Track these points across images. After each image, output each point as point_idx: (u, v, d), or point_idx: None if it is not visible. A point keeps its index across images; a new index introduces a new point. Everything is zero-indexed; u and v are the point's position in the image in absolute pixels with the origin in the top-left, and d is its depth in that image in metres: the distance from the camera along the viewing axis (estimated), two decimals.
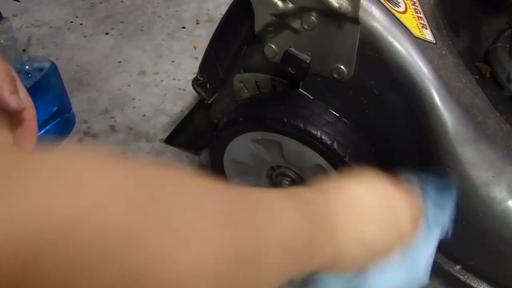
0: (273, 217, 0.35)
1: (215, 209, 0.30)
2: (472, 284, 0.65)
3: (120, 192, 0.25)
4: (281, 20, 0.60)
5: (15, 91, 0.57)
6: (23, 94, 0.60)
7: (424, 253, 0.51)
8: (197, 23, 1.30)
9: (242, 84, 0.70)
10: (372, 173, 0.46)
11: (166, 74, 1.15)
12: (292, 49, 0.61)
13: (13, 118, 0.60)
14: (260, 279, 0.32)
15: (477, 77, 0.68)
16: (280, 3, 0.58)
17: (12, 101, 0.56)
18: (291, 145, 0.63)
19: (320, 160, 0.62)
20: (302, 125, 0.59)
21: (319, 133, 0.59)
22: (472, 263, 0.65)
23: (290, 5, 0.57)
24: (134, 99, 1.09)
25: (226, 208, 0.31)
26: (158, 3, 1.36)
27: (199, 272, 0.26)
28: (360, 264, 0.44)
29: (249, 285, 0.31)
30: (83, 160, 0.26)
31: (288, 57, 0.61)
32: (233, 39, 0.67)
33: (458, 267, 0.66)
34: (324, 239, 0.39)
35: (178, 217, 0.27)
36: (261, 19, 0.61)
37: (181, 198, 0.28)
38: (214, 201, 0.31)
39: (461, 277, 0.65)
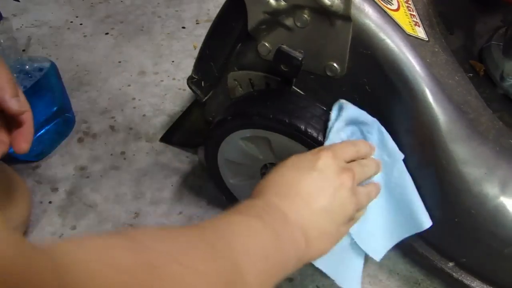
0: (243, 236, 0.41)
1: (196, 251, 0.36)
2: (465, 281, 0.65)
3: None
4: (274, 18, 0.60)
5: (16, 94, 0.59)
6: (22, 97, 0.61)
7: None
8: (197, 23, 1.30)
9: (236, 82, 0.70)
10: (296, 157, 0.52)
11: (166, 74, 1.16)
12: (284, 46, 0.61)
13: (10, 119, 0.61)
14: None
15: (471, 75, 0.68)
16: (273, 1, 0.58)
17: (14, 104, 0.59)
18: (280, 140, 0.63)
19: None
20: (287, 120, 0.60)
21: (304, 127, 0.59)
22: (465, 260, 0.65)
23: (283, 3, 0.58)
24: (134, 99, 1.09)
25: (203, 245, 0.37)
26: (158, 3, 1.37)
27: None
28: (332, 230, 0.49)
29: None
30: None
31: (280, 54, 0.61)
32: (227, 37, 0.67)
33: (451, 264, 0.66)
34: (290, 234, 0.45)
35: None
36: (254, 17, 0.61)
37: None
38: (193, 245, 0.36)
39: (454, 274, 0.65)
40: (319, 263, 0.56)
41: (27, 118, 0.62)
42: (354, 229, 0.58)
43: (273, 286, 0.41)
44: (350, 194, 0.50)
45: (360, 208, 0.54)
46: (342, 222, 0.50)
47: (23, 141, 0.62)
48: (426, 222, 0.61)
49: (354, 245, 0.61)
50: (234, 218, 0.43)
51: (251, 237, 0.42)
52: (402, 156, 0.61)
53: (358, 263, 0.63)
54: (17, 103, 0.59)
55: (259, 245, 0.41)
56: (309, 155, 0.52)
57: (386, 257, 0.80)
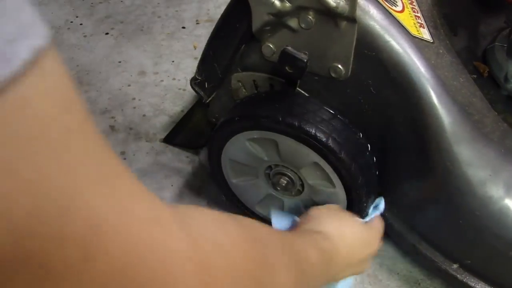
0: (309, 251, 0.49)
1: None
2: (470, 283, 0.65)
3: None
4: (279, 19, 0.60)
5: None
6: None
7: None
8: (197, 23, 1.30)
9: (240, 83, 0.70)
10: (344, 213, 0.62)
11: (166, 74, 1.15)
12: (289, 48, 0.61)
13: None
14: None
15: (475, 76, 0.68)
16: (277, 2, 0.58)
17: None
18: (287, 143, 0.63)
19: (316, 157, 0.62)
20: (296, 123, 0.60)
21: (313, 131, 0.59)
22: (469, 262, 0.65)
23: (288, 4, 0.57)
24: (134, 99, 1.09)
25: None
26: (158, 3, 1.37)
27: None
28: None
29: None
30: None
31: (285, 56, 0.61)
32: (231, 38, 0.67)
33: (455, 266, 0.66)
34: (331, 264, 0.54)
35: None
36: (258, 18, 0.61)
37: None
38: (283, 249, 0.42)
39: (458, 276, 0.66)
40: None
41: None
42: None
43: None
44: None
45: None
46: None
47: None
48: None
49: None
50: (298, 238, 0.50)
51: (314, 256, 0.49)
52: None
53: None
54: None
55: (317, 264, 0.49)
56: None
57: (386, 257, 0.80)
